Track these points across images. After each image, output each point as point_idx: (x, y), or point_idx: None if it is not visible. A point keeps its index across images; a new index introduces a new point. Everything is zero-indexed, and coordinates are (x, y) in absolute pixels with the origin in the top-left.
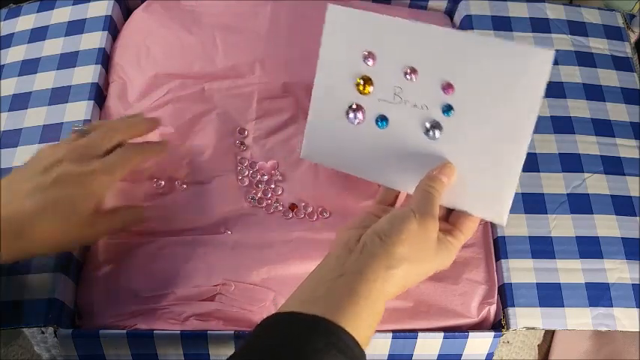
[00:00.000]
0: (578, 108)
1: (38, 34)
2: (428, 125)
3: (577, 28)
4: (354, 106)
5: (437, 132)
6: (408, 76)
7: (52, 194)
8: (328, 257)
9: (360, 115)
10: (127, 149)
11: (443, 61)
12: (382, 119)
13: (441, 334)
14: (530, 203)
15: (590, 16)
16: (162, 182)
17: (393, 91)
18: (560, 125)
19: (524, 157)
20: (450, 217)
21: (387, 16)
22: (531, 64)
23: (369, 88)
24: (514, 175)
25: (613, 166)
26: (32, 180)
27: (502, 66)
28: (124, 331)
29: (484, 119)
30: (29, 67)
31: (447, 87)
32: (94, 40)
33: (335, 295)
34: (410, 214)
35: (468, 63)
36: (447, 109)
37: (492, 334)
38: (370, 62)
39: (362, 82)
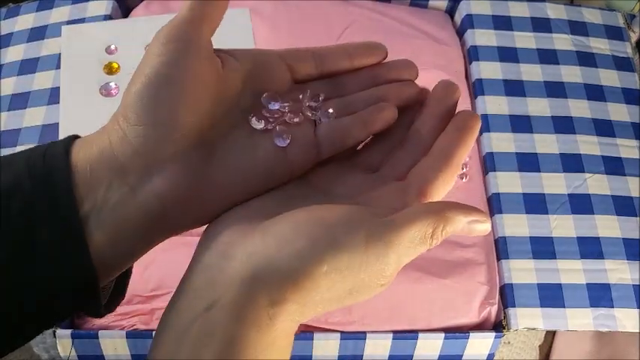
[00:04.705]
0: (579, 108)
1: (37, 34)
2: None
3: (578, 28)
4: (104, 84)
5: None
6: None
7: None
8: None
9: (112, 86)
10: None
11: None
12: None
13: (442, 335)
14: (531, 203)
15: (591, 16)
16: None
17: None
18: (561, 125)
19: None
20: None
21: (119, 19)
22: (236, 17)
23: (117, 69)
24: None
25: (614, 166)
26: None
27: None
28: (124, 331)
29: None
30: (28, 66)
31: None
32: None
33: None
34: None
35: None
36: None
37: (493, 334)
38: (114, 52)
39: (108, 66)
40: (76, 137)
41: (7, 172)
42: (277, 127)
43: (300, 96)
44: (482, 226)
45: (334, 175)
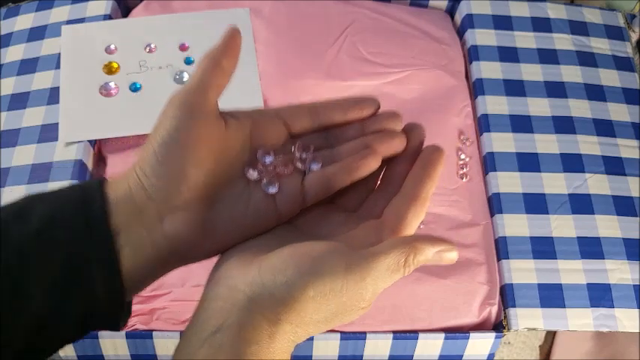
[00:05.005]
0: (580, 108)
1: (37, 33)
2: (177, 75)
3: (578, 28)
4: (103, 84)
5: (185, 75)
6: (148, 51)
7: None
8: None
9: (112, 85)
10: None
11: (173, 33)
12: (134, 85)
13: (442, 335)
14: (532, 203)
15: (592, 15)
16: None
17: (138, 64)
18: (562, 125)
19: (257, 71)
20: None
21: (119, 19)
22: (236, 17)
23: (117, 68)
24: (257, 85)
25: (614, 166)
26: None
27: (217, 20)
28: (124, 332)
29: None
30: (28, 66)
31: (183, 47)
32: None
33: None
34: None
35: (193, 26)
36: (188, 60)
37: (493, 334)
38: (113, 52)
39: (107, 66)
40: (104, 179)
41: (50, 207)
42: (266, 178)
43: (293, 148)
44: (450, 255)
45: (317, 218)
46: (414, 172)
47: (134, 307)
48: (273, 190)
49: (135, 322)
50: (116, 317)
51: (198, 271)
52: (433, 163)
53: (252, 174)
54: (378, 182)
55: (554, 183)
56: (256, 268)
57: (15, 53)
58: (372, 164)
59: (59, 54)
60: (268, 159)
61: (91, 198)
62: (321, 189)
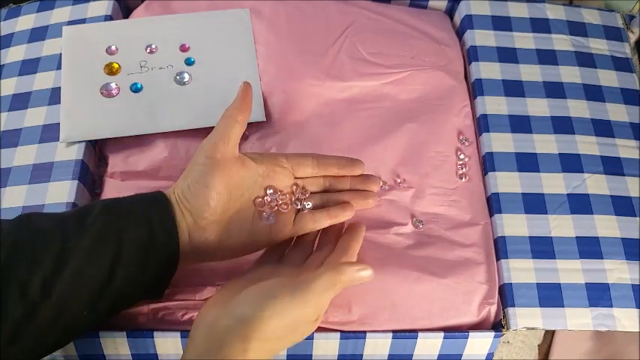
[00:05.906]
0: (578, 108)
1: (38, 34)
2: (177, 76)
3: (577, 29)
4: (104, 84)
5: (186, 76)
6: (149, 52)
7: None
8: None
9: (113, 86)
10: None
11: (174, 34)
12: (135, 85)
13: (441, 334)
14: (531, 203)
15: (590, 16)
16: None
17: (139, 65)
18: (560, 125)
19: (257, 71)
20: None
21: (120, 20)
22: (236, 17)
23: (118, 69)
24: (257, 85)
25: (613, 166)
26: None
27: (217, 21)
28: (124, 332)
29: (220, 57)
30: (29, 66)
31: (184, 48)
32: None
33: None
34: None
35: (194, 27)
36: (189, 61)
37: (492, 334)
38: (114, 52)
39: (108, 66)
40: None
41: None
42: (267, 212)
43: (294, 189)
44: (366, 273)
45: (274, 269)
46: (344, 237)
47: (134, 307)
48: (270, 221)
49: (136, 322)
50: (163, 285)
51: (197, 273)
52: (357, 233)
53: (260, 206)
54: (315, 246)
55: (553, 183)
56: (225, 308)
57: (16, 54)
58: (348, 215)
59: (60, 54)
60: (273, 197)
61: (158, 199)
62: (307, 225)
